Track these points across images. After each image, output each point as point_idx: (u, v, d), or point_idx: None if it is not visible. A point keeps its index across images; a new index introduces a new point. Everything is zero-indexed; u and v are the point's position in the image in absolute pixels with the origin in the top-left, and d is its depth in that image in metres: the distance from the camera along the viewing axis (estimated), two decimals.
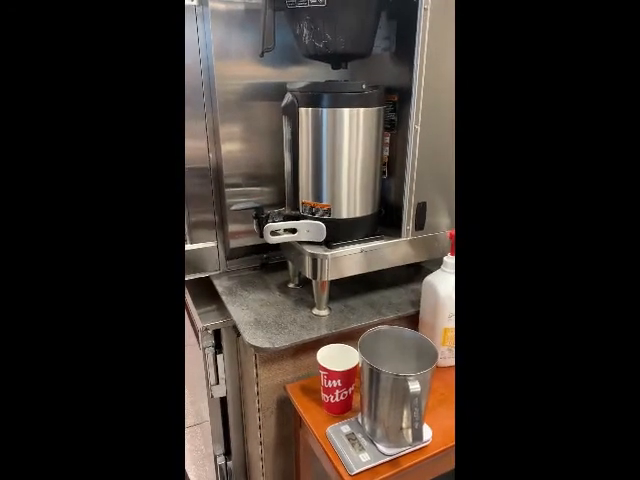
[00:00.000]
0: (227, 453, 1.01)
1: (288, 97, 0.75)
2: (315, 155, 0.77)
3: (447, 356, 0.80)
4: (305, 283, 0.93)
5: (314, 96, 0.74)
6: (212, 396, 0.91)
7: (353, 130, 0.75)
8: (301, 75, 0.90)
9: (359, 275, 0.84)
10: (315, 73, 0.89)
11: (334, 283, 0.84)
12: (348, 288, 0.92)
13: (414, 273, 0.99)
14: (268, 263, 1.02)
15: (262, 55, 0.71)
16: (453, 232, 0.78)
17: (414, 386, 0.57)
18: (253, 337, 0.76)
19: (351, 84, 0.74)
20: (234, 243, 0.94)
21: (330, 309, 0.85)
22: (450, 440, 0.66)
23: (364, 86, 0.73)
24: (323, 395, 0.71)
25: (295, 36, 0.75)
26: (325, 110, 0.74)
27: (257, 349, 0.75)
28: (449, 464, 0.69)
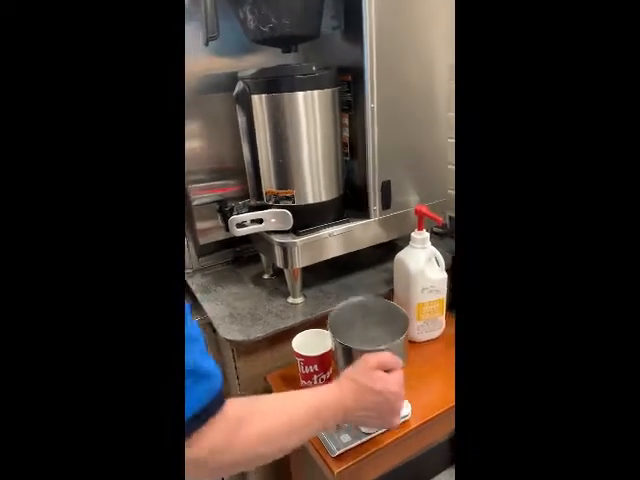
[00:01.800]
0: None
1: (239, 85, 0.74)
2: (273, 142, 0.76)
3: (424, 331, 0.80)
4: (279, 273, 0.92)
5: (265, 82, 0.72)
6: None
7: (309, 113, 0.74)
8: (257, 62, 0.89)
9: (333, 259, 0.83)
10: (270, 59, 0.88)
11: (308, 270, 0.83)
12: (322, 274, 0.91)
13: (388, 252, 0.99)
14: (242, 257, 1.01)
15: (207, 44, 0.69)
16: (419, 207, 0.78)
17: None
18: (228, 331, 0.75)
19: (301, 67, 0.73)
20: (203, 240, 0.93)
21: (305, 296, 0.85)
22: (429, 414, 0.66)
23: (314, 68, 0.72)
24: (302, 381, 0.71)
25: (240, 22, 0.73)
26: (278, 95, 0.73)
27: (232, 342, 0.74)
28: (429, 438, 0.70)
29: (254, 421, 0.46)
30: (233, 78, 0.81)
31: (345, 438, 0.62)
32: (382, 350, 0.57)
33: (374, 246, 0.88)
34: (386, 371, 0.56)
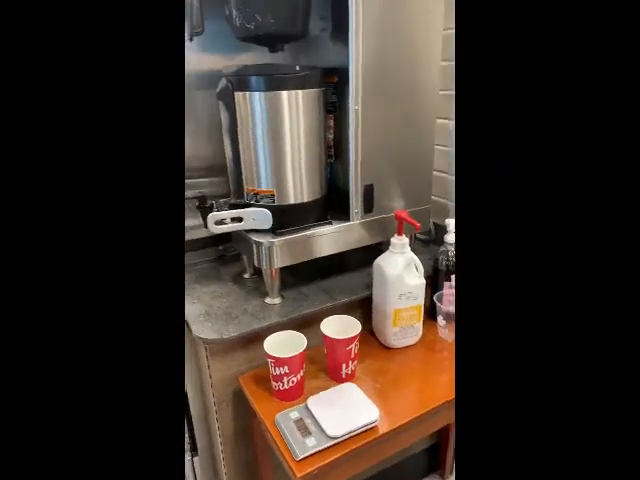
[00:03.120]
0: (194, 449, 1.00)
1: (223, 82, 0.74)
2: (255, 140, 0.75)
3: (400, 337, 0.79)
4: (260, 273, 0.92)
5: (248, 79, 0.72)
6: None
7: (292, 113, 0.74)
8: (246, 62, 0.88)
9: (316, 261, 0.82)
10: (260, 59, 0.87)
11: (290, 270, 0.82)
12: (303, 275, 0.91)
13: (374, 255, 0.98)
14: (225, 255, 1.00)
15: (191, 39, 0.69)
16: (398, 212, 0.77)
17: None
18: (201, 329, 0.74)
19: (284, 66, 0.73)
20: (186, 236, 0.92)
21: (283, 297, 0.84)
22: (399, 421, 0.65)
23: (298, 67, 0.71)
24: (272, 383, 0.70)
25: (226, 18, 0.73)
26: (262, 94, 0.72)
27: (205, 341, 0.74)
28: (399, 445, 0.69)
29: None
30: (219, 76, 0.81)
31: (310, 442, 0.61)
32: None
33: (360, 249, 0.87)
34: None
